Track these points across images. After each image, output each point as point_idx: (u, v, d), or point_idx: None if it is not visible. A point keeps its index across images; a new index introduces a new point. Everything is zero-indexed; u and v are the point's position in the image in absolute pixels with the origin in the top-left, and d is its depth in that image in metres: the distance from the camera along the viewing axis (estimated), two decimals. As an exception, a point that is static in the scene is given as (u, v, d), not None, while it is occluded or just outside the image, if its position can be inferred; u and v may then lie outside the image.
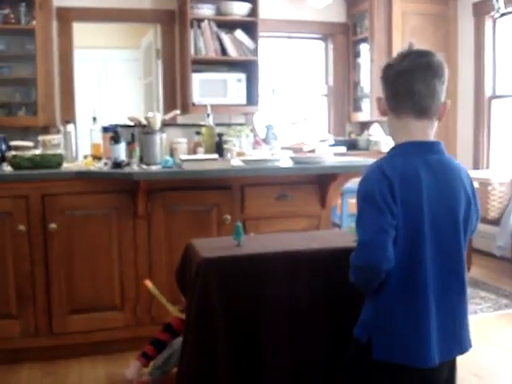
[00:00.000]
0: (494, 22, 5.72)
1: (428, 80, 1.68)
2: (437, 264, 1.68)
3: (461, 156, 6.09)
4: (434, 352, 1.67)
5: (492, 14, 5.49)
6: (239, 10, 5.47)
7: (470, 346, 1.81)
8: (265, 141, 4.35)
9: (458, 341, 1.76)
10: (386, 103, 1.76)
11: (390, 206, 1.59)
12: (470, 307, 4.08)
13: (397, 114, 1.73)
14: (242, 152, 3.76)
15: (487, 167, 5.80)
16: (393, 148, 1.76)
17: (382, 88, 1.77)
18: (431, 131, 1.74)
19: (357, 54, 6.41)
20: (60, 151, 3.47)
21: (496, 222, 4.78)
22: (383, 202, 1.59)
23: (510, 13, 5.43)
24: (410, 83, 1.68)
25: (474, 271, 5.02)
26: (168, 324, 2.84)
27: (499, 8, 5.12)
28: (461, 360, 3.10)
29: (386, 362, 1.68)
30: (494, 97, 5.77)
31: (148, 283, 2.80)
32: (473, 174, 5.15)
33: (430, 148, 1.72)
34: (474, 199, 1.76)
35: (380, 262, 1.60)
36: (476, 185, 5.04)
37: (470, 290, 4.39)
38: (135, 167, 3.30)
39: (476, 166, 5.84)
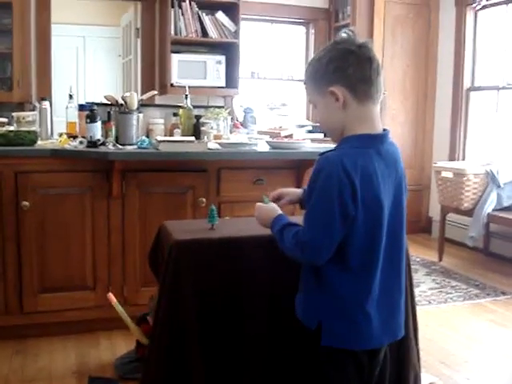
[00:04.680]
0: (476, 14, 5.74)
1: (380, 68, 1.70)
2: (387, 250, 1.69)
3: (437, 147, 6.13)
4: (379, 334, 1.69)
5: (474, 5, 5.52)
6: (221, -8, 5.42)
7: (403, 333, 1.83)
8: (243, 124, 4.33)
9: (396, 325, 1.78)
10: (347, 92, 1.66)
11: (346, 209, 1.57)
12: (441, 296, 4.15)
13: (361, 100, 1.67)
14: (219, 135, 3.74)
15: (463, 158, 5.84)
16: (351, 138, 1.67)
17: (336, 77, 1.66)
18: None
19: (338, 41, 6.37)
20: (34, 128, 3.41)
21: (469, 212, 4.82)
22: (339, 204, 1.56)
23: (491, 5, 5.47)
24: (375, 70, 1.67)
25: (446, 261, 5.09)
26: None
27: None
28: (428, 348, 3.17)
29: (334, 348, 1.67)
30: (473, 88, 5.80)
31: (111, 298, 2.66)
32: (448, 164, 5.22)
33: (383, 139, 1.70)
34: (405, 179, 1.77)
35: (320, 261, 1.62)
36: (451, 175, 5.07)
37: (440, 279, 4.50)
38: (111, 147, 3.26)
39: (452, 157, 5.89)
